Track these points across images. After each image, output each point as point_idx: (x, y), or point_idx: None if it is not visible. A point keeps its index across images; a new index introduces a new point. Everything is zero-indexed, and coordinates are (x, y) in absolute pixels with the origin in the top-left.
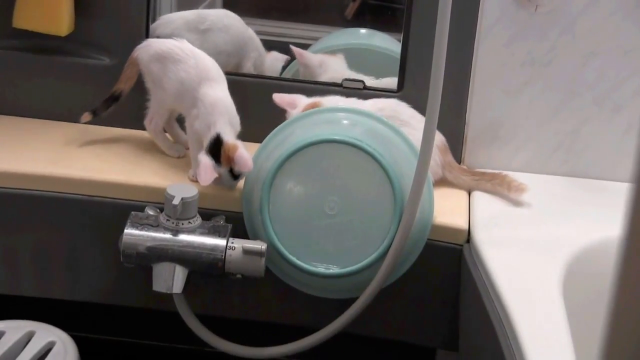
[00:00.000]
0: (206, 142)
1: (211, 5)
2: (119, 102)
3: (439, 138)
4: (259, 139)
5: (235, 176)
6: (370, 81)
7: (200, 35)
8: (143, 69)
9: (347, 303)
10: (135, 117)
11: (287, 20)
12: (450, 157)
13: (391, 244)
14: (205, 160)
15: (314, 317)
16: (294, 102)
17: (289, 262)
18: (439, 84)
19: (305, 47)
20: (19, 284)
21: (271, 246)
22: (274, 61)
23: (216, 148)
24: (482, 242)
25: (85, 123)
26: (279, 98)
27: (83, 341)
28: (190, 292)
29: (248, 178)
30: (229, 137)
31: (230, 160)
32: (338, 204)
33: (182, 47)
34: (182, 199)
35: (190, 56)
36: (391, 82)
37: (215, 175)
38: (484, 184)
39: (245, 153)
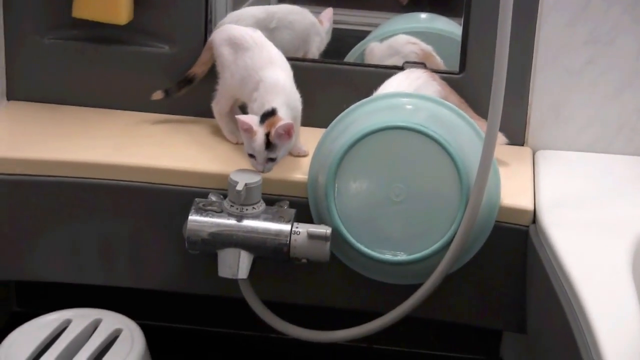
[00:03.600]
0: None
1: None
2: (192, 85)
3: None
4: (324, 124)
5: (268, 144)
6: None
7: (269, 34)
8: (215, 51)
9: (412, 287)
10: (198, 105)
11: (342, 7)
12: (454, 97)
13: (458, 228)
14: (252, 115)
15: (379, 302)
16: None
17: (356, 249)
18: (503, 64)
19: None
20: (84, 273)
21: (337, 233)
22: None
23: (266, 118)
24: (549, 223)
25: (152, 107)
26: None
27: (149, 329)
28: (255, 278)
29: (313, 164)
30: (283, 113)
31: (271, 126)
32: (404, 191)
33: (253, 36)
34: (245, 184)
35: (258, 45)
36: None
37: (252, 125)
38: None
39: (286, 125)
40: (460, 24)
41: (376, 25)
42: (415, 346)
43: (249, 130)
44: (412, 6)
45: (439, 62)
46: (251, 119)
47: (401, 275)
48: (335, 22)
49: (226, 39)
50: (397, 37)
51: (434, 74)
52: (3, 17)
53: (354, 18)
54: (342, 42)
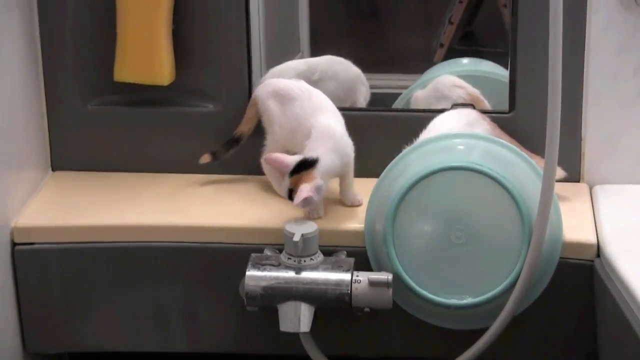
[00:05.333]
0: None
1: (300, 57)
2: (239, 145)
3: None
4: (373, 174)
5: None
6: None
7: (313, 85)
8: (260, 107)
9: (477, 332)
10: (246, 163)
11: (374, 72)
12: (505, 137)
13: (522, 267)
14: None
15: (444, 349)
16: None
17: (420, 296)
18: (557, 101)
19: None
20: (139, 340)
21: (399, 279)
22: None
23: (303, 168)
24: (615, 255)
25: (199, 168)
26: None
27: None
28: (316, 333)
29: (369, 211)
30: (325, 164)
31: (297, 183)
32: (464, 232)
33: (299, 86)
34: (302, 235)
35: (305, 93)
36: None
37: (284, 167)
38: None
39: (308, 191)
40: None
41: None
42: None
43: (280, 170)
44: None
45: (487, 105)
46: (284, 160)
47: (467, 319)
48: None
49: (271, 92)
50: (441, 78)
51: (483, 114)
52: (44, 86)
53: (385, 82)
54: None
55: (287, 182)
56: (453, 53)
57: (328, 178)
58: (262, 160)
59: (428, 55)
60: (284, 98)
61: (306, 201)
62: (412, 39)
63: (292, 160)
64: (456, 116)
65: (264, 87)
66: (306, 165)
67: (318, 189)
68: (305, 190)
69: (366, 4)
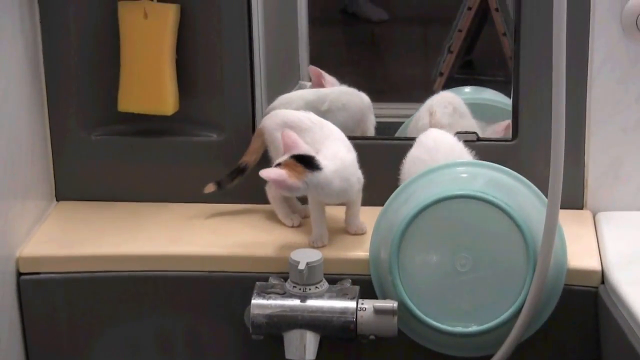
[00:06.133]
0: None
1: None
2: (244, 175)
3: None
4: (377, 202)
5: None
6: None
7: (321, 115)
8: (267, 138)
9: (482, 359)
10: (250, 192)
11: (374, 101)
12: None
13: (528, 294)
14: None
15: None
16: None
17: (424, 323)
18: (561, 128)
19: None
20: None
21: (404, 308)
22: None
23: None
24: (619, 281)
25: (204, 197)
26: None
27: None
28: None
29: (374, 239)
30: (320, 180)
31: (285, 166)
32: (469, 260)
33: (310, 117)
34: (307, 263)
35: (316, 124)
36: None
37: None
38: None
39: (282, 178)
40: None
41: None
42: None
43: (285, 148)
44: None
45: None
46: (298, 141)
47: (472, 347)
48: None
49: (280, 123)
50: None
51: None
52: (48, 116)
53: (386, 111)
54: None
55: (284, 157)
56: (452, 81)
57: (316, 193)
58: (267, 188)
59: (428, 84)
60: (294, 129)
61: (275, 182)
62: (412, 68)
63: (305, 148)
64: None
65: (272, 117)
66: (310, 163)
67: (290, 187)
68: (281, 176)
69: (365, 34)
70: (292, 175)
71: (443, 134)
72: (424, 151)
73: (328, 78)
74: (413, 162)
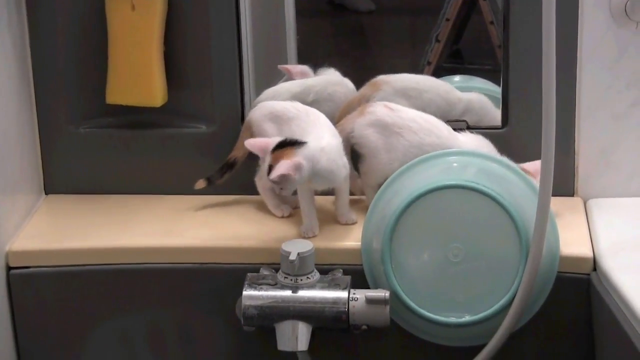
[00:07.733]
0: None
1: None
2: (233, 170)
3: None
4: None
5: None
6: None
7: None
8: (255, 130)
9: (475, 348)
10: (240, 183)
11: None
12: None
13: (520, 283)
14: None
15: None
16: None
17: (417, 314)
18: (551, 115)
19: None
20: None
21: (397, 298)
22: None
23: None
24: (611, 268)
25: (194, 189)
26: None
27: None
28: (314, 353)
29: (366, 229)
30: (310, 152)
31: (278, 159)
32: (462, 250)
33: (295, 106)
34: (298, 254)
35: (302, 112)
36: None
37: (264, 149)
38: None
39: (287, 167)
40: None
41: None
42: None
43: (261, 153)
44: None
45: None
46: (265, 142)
47: (465, 337)
48: None
49: (267, 114)
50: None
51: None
52: (36, 110)
53: None
54: None
55: (268, 159)
56: (440, 70)
57: (311, 168)
58: (256, 180)
59: (416, 73)
60: (280, 119)
61: (283, 178)
62: (400, 58)
63: (273, 140)
64: None
65: (259, 110)
66: (292, 143)
67: (298, 167)
68: (284, 166)
69: (353, 24)
70: (291, 159)
71: None
72: None
73: (298, 69)
74: None
